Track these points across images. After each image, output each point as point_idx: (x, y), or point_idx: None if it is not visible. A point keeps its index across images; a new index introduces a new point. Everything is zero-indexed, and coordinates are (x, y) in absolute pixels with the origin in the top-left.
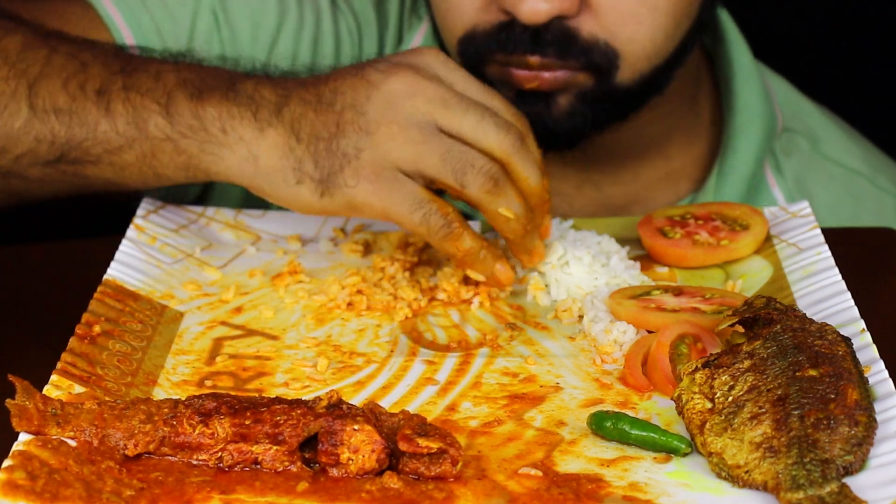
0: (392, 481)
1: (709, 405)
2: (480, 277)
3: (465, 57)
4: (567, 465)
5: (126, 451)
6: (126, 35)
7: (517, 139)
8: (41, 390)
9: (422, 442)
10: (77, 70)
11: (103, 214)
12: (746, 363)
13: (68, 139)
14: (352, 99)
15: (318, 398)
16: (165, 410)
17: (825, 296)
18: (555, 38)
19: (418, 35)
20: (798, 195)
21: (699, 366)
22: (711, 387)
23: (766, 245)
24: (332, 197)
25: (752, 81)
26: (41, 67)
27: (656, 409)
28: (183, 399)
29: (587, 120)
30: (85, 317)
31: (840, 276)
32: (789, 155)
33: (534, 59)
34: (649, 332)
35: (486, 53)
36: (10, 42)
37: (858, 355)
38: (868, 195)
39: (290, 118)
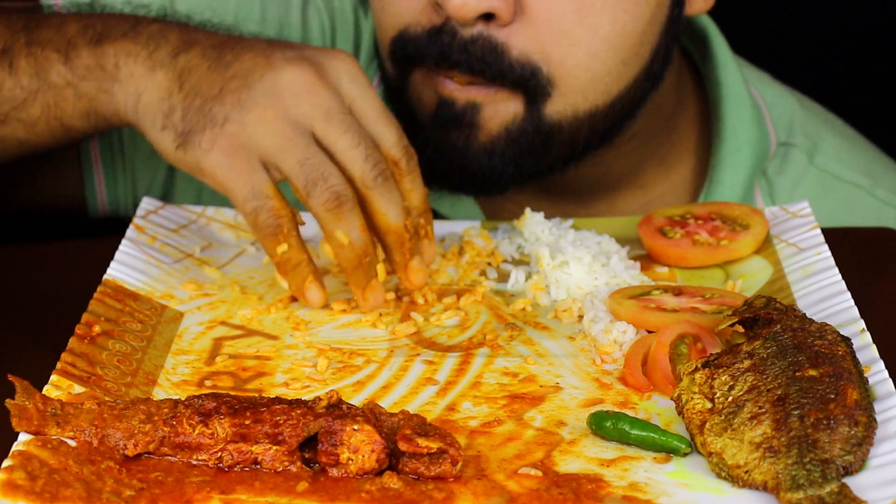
0: (392, 481)
1: (709, 405)
2: (284, 285)
3: (395, 59)
4: (567, 465)
5: (126, 451)
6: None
7: (381, 175)
8: (41, 390)
9: (422, 442)
10: None
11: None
12: (746, 363)
13: None
14: (246, 71)
15: (318, 398)
16: (165, 410)
17: (825, 296)
18: (483, 51)
19: None
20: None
21: (699, 366)
22: (711, 387)
23: (766, 245)
24: (185, 152)
25: (742, 105)
26: None
27: (656, 409)
28: (183, 399)
29: (506, 161)
30: (85, 317)
31: (840, 276)
32: (782, 174)
33: (461, 79)
34: (649, 332)
35: (416, 59)
36: None
37: (858, 355)
38: (867, 208)
39: (182, 66)
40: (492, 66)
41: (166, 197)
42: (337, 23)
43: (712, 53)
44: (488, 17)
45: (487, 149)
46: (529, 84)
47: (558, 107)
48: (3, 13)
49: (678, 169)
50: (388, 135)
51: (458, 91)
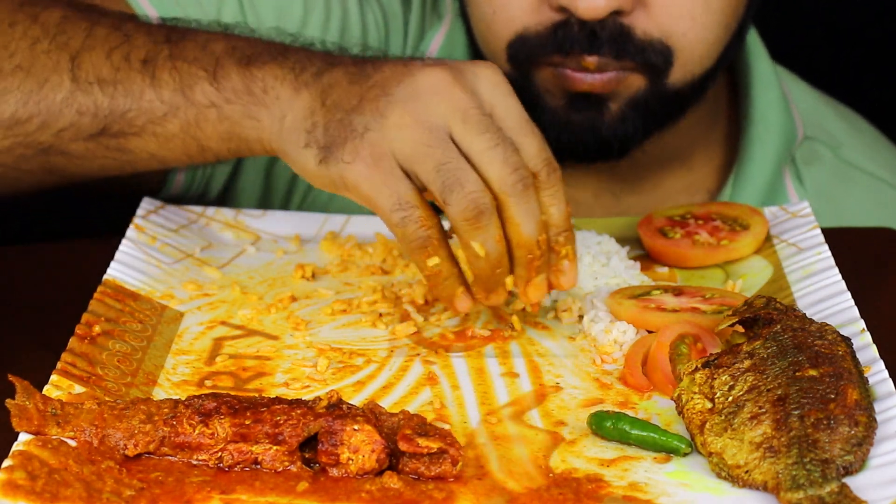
0: (392, 481)
1: (709, 405)
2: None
3: (514, 62)
4: (567, 465)
5: (126, 451)
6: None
7: (521, 181)
8: (41, 390)
9: (422, 442)
10: (121, 41)
11: (103, 215)
12: (746, 363)
13: (111, 110)
14: (384, 79)
15: (318, 398)
16: (165, 410)
17: (825, 296)
18: (611, 36)
19: (439, 35)
20: (822, 204)
21: (699, 366)
22: (711, 387)
23: (766, 245)
24: (328, 167)
25: (771, 89)
26: (83, 39)
27: (656, 409)
28: (183, 399)
29: (637, 127)
30: (85, 317)
31: (840, 276)
32: (810, 164)
33: (591, 60)
34: (649, 332)
35: (539, 56)
36: (50, 16)
37: (858, 355)
38: (892, 202)
39: (325, 83)
40: (620, 47)
41: (233, 180)
42: (388, 17)
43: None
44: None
45: (620, 118)
46: (653, 62)
47: (678, 76)
48: (143, 23)
49: (718, 151)
50: (530, 144)
51: (588, 82)
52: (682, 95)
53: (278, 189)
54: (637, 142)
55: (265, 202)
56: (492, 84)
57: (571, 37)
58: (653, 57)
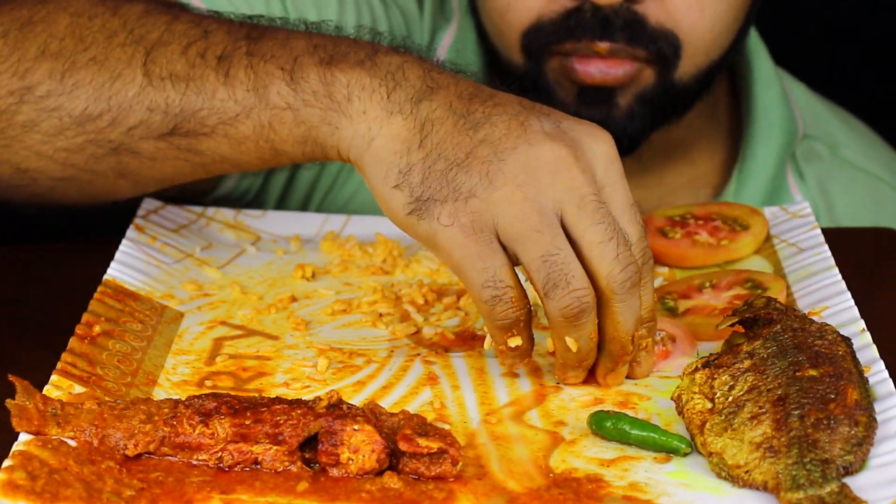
0: (392, 481)
1: (709, 405)
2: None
3: (528, 51)
4: (567, 465)
5: (126, 451)
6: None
7: (631, 280)
8: (41, 390)
9: (422, 442)
10: (199, 37)
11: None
12: (746, 363)
13: (183, 108)
14: (497, 138)
15: (318, 398)
16: (165, 410)
17: (825, 296)
18: (624, 23)
19: (448, 35)
20: (820, 200)
21: (699, 366)
22: (711, 387)
23: (766, 245)
24: (420, 221)
25: (772, 87)
26: (161, 34)
27: (656, 409)
28: (183, 399)
29: (646, 121)
30: (85, 317)
31: (840, 276)
32: (809, 161)
33: (603, 45)
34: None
35: (552, 44)
36: (131, 9)
37: (858, 355)
38: (889, 200)
39: (425, 116)
40: (633, 34)
41: (267, 177)
42: (408, 19)
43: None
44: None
45: (628, 114)
46: (665, 52)
47: (686, 68)
48: (225, 20)
49: (720, 147)
50: (632, 233)
51: (598, 77)
52: (688, 89)
53: (299, 188)
54: (645, 137)
55: (284, 200)
56: (607, 161)
57: (584, 23)
58: (664, 47)
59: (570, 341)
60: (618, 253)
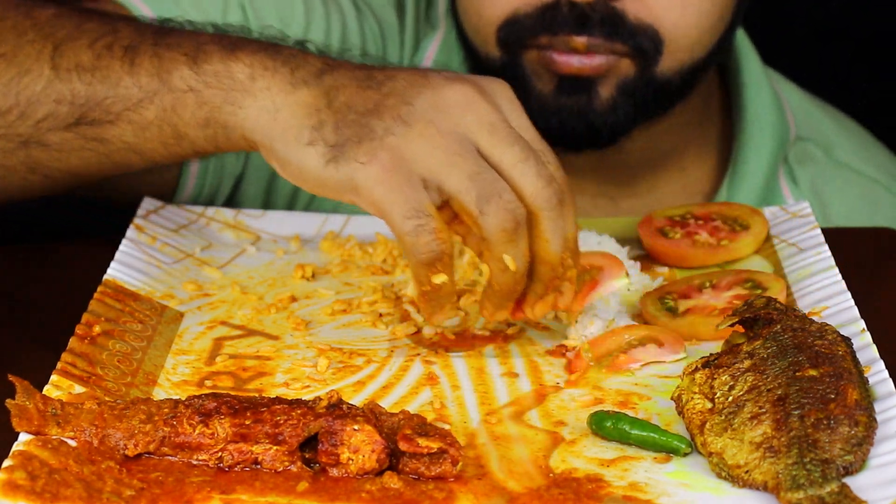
0: (392, 481)
1: (709, 405)
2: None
3: (504, 45)
4: (567, 465)
5: (126, 451)
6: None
7: (556, 196)
8: (41, 390)
9: (422, 442)
10: (107, 32)
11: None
12: (746, 363)
13: (88, 97)
14: (402, 88)
15: (318, 398)
16: (165, 410)
17: (825, 296)
18: (602, 19)
19: (434, 43)
20: (815, 203)
21: (699, 366)
22: (711, 387)
23: (766, 245)
24: (338, 167)
25: (763, 90)
26: (70, 31)
27: (656, 409)
28: (183, 399)
29: (628, 114)
30: (85, 317)
31: (840, 276)
32: (803, 164)
33: (580, 40)
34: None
35: (528, 38)
36: (43, 11)
37: (858, 355)
38: (884, 202)
39: (329, 84)
40: (611, 29)
41: (237, 187)
42: (384, 27)
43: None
44: None
45: (610, 106)
46: (644, 47)
47: (668, 64)
48: (136, 19)
49: (712, 153)
50: (550, 157)
51: (577, 63)
52: (672, 85)
53: (278, 203)
54: (626, 130)
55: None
56: (508, 100)
57: (561, 18)
58: (644, 42)
59: (508, 259)
60: (538, 170)
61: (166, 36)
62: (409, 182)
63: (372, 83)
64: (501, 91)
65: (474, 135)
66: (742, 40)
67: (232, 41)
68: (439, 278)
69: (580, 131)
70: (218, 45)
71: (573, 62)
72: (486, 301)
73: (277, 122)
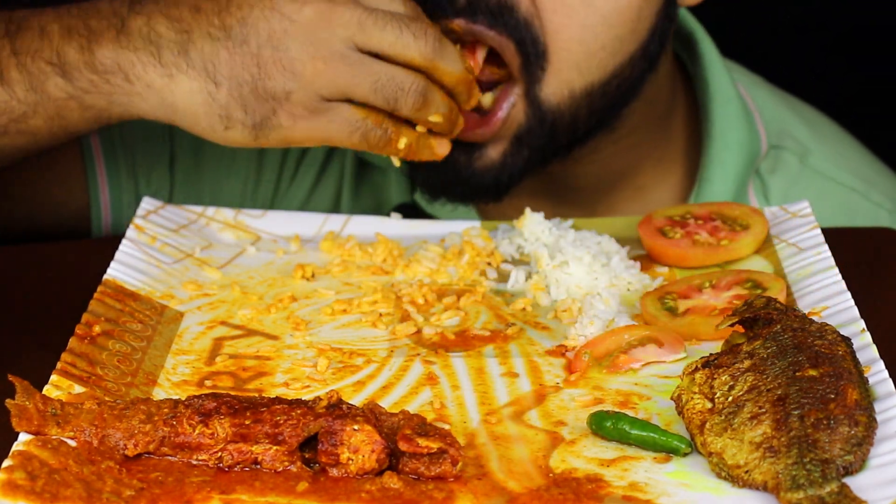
0: (392, 481)
1: (709, 405)
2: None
3: None
4: (567, 465)
5: (126, 451)
6: None
7: (436, 40)
8: (41, 390)
9: (422, 442)
10: None
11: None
12: (746, 363)
13: None
14: (267, 34)
15: (318, 398)
16: (165, 410)
17: (825, 296)
18: (489, 5)
19: None
20: None
21: (699, 366)
22: (711, 387)
23: (766, 245)
24: (267, 137)
25: (730, 104)
26: None
27: (656, 409)
28: (183, 399)
29: (516, 168)
30: (85, 317)
31: (840, 276)
32: (776, 173)
33: (458, 22)
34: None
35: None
36: None
37: (858, 355)
38: (861, 210)
39: (200, 60)
40: (499, 17)
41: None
42: None
43: (700, 54)
44: None
45: (499, 163)
46: (528, 50)
47: (554, 87)
48: None
49: (674, 170)
50: (411, 12)
51: (478, 132)
52: (564, 115)
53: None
54: (514, 184)
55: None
56: None
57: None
58: (529, 45)
59: (434, 118)
60: (413, 33)
61: (19, 38)
62: (331, 111)
63: (235, 41)
64: None
65: (349, 40)
66: (710, 52)
67: (84, 35)
68: (402, 142)
69: (462, 188)
70: (71, 44)
71: (475, 126)
72: (432, 139)
73: (180, 115)
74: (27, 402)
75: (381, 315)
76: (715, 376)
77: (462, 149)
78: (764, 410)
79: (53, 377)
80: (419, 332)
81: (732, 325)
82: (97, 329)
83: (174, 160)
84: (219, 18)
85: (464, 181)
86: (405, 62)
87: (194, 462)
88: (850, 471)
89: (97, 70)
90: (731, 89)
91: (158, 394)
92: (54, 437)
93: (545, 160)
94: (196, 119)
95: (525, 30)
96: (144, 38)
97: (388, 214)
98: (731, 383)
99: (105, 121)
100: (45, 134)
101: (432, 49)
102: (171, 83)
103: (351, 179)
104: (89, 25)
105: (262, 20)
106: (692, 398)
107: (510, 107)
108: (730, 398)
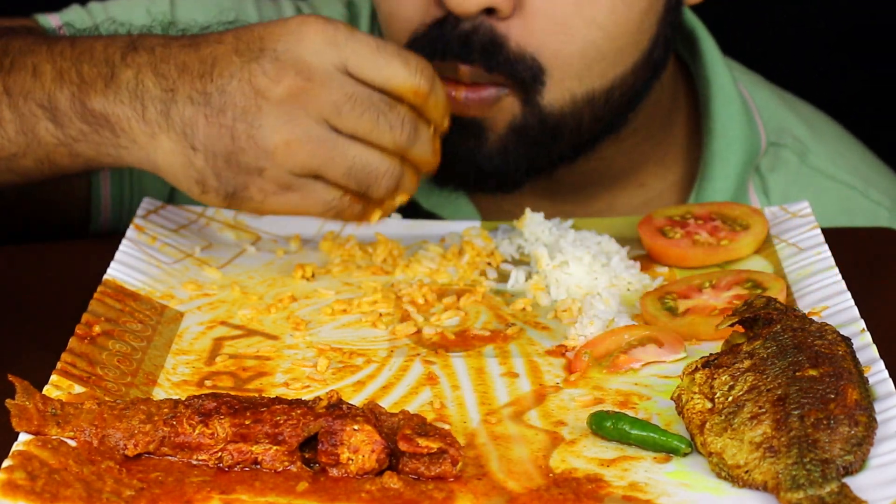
0: (392, 481)
1: (709, 405)
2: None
3: None
4: (567, 465)
5: (126, 451)
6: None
7: (412, 130)
8: (41, 390)
9: (422, 442)
10: None
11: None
12: (746, 363)
13: None
14: (242, 108)
15: (318, 398)
16: (165, 410)
17: (825, 296)
18: (482, 44)
19: None
20: None
21: (699, 366)
22: (711, 387)
23: (766, 245)
24: (241, 206)
25: (731, 102)
26: None
27: (656, 409)
28: (183, 399)
29: (518, 158)
30: (85, 317)
31: (840, 276)
32: (776, 171)
33: (464, 69)
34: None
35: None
36: None
37: (858, 355)
38: (861, 208)
39: (180, 123)
40: (491, 57)
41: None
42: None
43: (701, 52)
44: (489, 11)
45: (499, 149)
46: (523, 77)
47: (555, 94)
48: None
49: (674, 168)
50: (395, 70)
51: (461, 101)
52: (567, 120)
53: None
54: (521, 174)
55: None
56: (330, 44)
57: (445, 37)
58: (522, 71)
59: (400, 199)
60: (390, 124)
61: (12, 76)
62: (305, 188)
63: (213, 110)
64: (321, 43)
65: (324, 123)
66: (711, 50)
67: (75, 82)
68: (375, 217)
69: (470, 175)
70: (63, 90)
71: (458, 96)
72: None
73: (162, 172)
74: (27, 402)
75: (381, 315)
76: (715, 376)
77: (468, 136)
78: (764, 410)
79: (53, 377)
80: (419, 332)
81: (732, 325)
82: (97, 329)
83: None
84: (201, 82)
85: (475, 168)
86: (380, 148)
87: (194, 462)
88: (850, 471)
89: (87, 121)
90: (732, 87)
91: (158, 394)
92: (54, 437)
93: (552, 163)
94: (176, 179)
95: (517, 62)
96: (132, 92)
97: None
98: (731, 383)
99: (95, 167)
100: (35, 174)
101: (407, 139)
102: (152, 142)
103: None
104: (81, 72)
105: (239, 93)
106: (692, 398)
107: (506, 112)
108: (730, 398)
